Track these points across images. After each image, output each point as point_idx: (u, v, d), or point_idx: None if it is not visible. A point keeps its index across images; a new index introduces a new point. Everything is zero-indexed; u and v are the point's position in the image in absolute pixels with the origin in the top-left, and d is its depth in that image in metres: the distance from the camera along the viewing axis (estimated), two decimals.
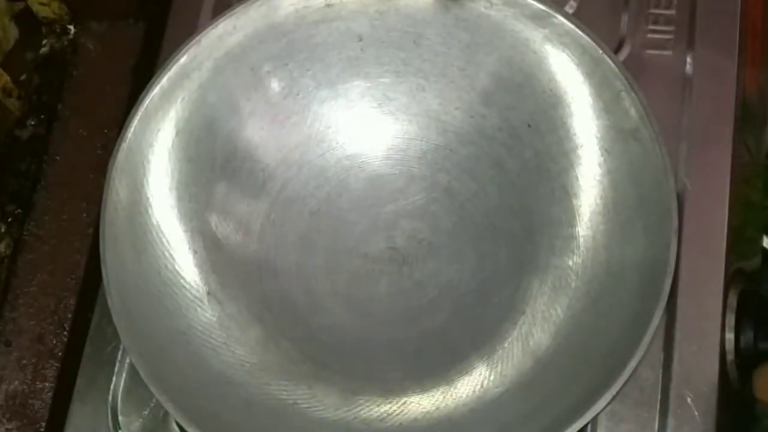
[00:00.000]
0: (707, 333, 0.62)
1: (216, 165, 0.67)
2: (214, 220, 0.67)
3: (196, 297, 0.65)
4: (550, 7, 0.64)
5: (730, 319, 0.63)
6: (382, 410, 0.63)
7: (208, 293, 0.65)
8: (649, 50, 0.69)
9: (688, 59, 0.69)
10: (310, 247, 0.68)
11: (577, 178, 0.64)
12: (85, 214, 0.71)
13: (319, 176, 0.69)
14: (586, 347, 0.61)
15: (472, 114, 0.67)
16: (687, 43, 0.69)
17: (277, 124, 0.68)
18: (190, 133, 0.66)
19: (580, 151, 0.64)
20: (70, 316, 0.69)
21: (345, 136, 0.69)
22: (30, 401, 0.67)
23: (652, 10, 0.70)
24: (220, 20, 0.66)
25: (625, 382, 0.56)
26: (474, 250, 0.66)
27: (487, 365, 0.63)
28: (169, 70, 0.65)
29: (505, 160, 0.67)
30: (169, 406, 0.59)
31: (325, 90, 0.68)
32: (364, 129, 0.69)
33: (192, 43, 0.66)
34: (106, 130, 0.73)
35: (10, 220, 0.73)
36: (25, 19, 0.79)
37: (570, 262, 0.64)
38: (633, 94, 0.62)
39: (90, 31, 0.77)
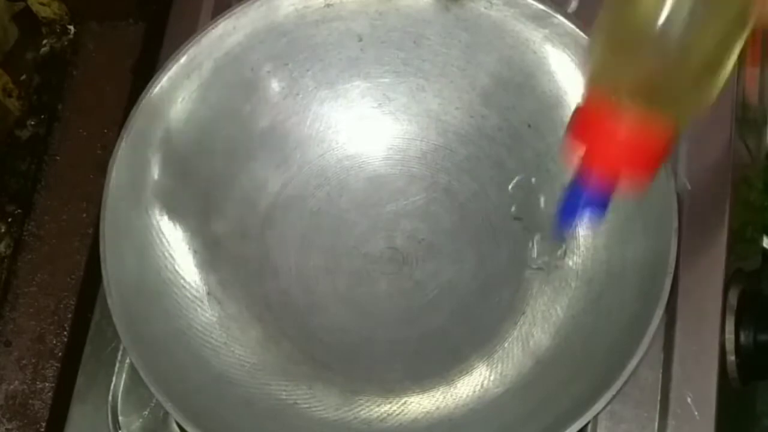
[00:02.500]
0: (707, 333, 0.62)
1: (216, 165, 0.67)
2: (214, 220, 0.67)
3: (196, 297, 0.65)
4: (550, 7, 0.64)
5: (730, 319, 0.62)
6: (382, 410, 0.63)
7: (208, 293, 0.65)
8: None
9: None
10: (310, 247, 0.68)
11: None
12: (85, 214, 0.71)
13: (319, 176, 0.69)
14: (586, 347, 0.61)
15: (472, 114, 0.67)
16: None
17: (277, 124, 0.68)
18: (190, 133, 0.66)
19: None
20: (70, 316, 0.69)
21: (345, 136, 0.69)
22: (30, 401, 0.67)
23: None
24: (220, 20, 0.66)
25: (625, 382, 0.56)
26: (474, 250, 0.66)
27: (487, 365, 0.63)
28: (169, 70, 0.65)
29: (505, 160, 0.67)
30: (169, 406, 0.59)
31: (325, 90, 0.69)
32: (364, 129, 0.69)
33: (192, 43, 0.66)
34: (106, 130, 0.73)
35: (10, 220, 0.73)
36: (25, 19, 0.79)
37: (570, 262, 0.64)
38: None
39: (90, 31, 0.77)
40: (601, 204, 0.45)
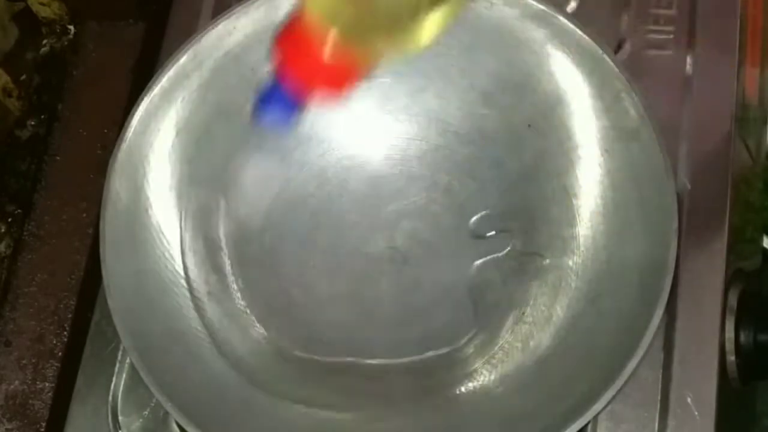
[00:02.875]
0: (707, 333, 0.62)
1: (216, 165, 0.67)
2: (214, 220, 0.67)
3: (196, 297, 0.65)
4: (550, 7, 0.64)
5: (730, 319, 0.63)
6: (382, 410, 0.63)
7: (208, 293, 0.65)
8: (649, 50, 0.69)
9: (688, 59, 0.69)
10: (310, 247, 0.68)
11: (577, 178, 0.64)
12: (85, 214, 0.71)
13: (319, 176, 0.69)
14: (586, 347, 0.61)
15: (472, 114, 0.67)
16: (687, 43, 0.69)
17: None
18: (190, 133, 0.66)
19: (580, 151, 0.64)
20: (70, 316, 0.69)
21: (345, 136, 0.69)
22: (30, 401, 0.67)
23: (653, 10, 0.70)
24: (220, 20, 0.66)
25: (625, 382, 0.56)
26: (474, 250, 0.66)
27: (487, 365, 0.63)
28: (169, 70, 0.65)
29: (505, 160, 0.67)
30: (169, 406, 0.59)
31: None
32: (364, 129, 0.69)
33: (192, 43, 0.66)
34: (106, 130, 0.73)
35: (10, 220, 0.73)
36: (25, 19, 0.79)
37: (570, 262, 0.64)
38: (633, 94, 0.62)
39: (90, 31, 0.77)
40: (290, 105, 0.51)
